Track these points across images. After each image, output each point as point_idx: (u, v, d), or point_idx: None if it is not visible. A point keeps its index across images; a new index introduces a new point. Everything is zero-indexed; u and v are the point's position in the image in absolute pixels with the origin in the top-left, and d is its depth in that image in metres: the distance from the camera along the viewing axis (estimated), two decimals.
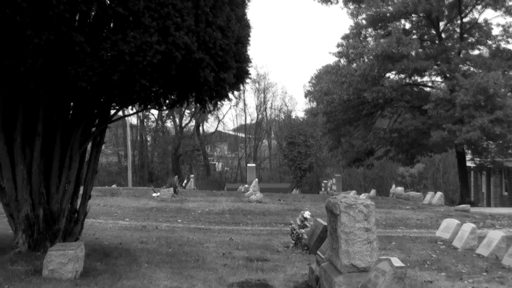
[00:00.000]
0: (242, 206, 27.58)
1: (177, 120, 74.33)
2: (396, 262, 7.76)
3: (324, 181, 61.86)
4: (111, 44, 10.08)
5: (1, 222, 16.60)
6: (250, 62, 13.74)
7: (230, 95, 13.90)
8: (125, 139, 62.40)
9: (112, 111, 13.95)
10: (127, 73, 10.31)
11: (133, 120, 70.33)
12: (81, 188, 13.42)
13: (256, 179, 41.37)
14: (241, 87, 14.68)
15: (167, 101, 14.34)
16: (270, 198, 33.59)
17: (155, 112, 70.32)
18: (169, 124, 78.23)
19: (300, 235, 15.16)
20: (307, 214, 15.75)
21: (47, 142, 12.11)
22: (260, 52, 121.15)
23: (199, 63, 11.29)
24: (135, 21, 10.24)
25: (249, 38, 13.64)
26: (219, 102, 14.21)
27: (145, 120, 76.03)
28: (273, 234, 18.52)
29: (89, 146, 13.72)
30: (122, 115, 19.28)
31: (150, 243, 15.13)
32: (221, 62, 11.89)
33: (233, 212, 25.20)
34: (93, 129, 13.48)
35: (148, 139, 79.01)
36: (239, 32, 12.51)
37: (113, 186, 47.62)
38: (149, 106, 14.99)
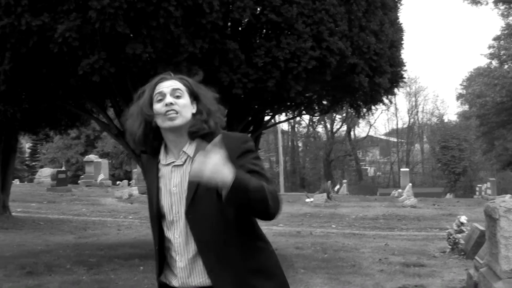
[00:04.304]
0: (396, 211, 27.18)
1: (328, 125, 74.37)
2: None
3: (478, 185, 60.18)
4: (265, 51, 10.31)
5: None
6: (404, 66, 13.68)
7: (384, 99, 13.87)
8: (277, 145, 63.06)
9: (266, 118, 14.17)
10: (281, 79, 10.48)
11: (284, 126, 70.92)
12: None
13: (410, 184, 40.70)
14: (395, 91, 14.60)
15: (320, 107, 14.43)
16: (424, 202, 32.92)
17: (306, 117, 70.66)
18: (320, 129, 78.43)
19: (457, 240, 14.83)
20: (463, 218, 15.37)
21: None
22: (410, 55, 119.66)
23: (353, 68, 11.34)
24: (288, 28, 10.41)
25: (402, 42, 13.58)
26: (373, 107, 14.20)
27: (296, 126, 76.62)
28: (429, 239, 18.16)
29: None
30: (274, 122, 19.46)
31: (306, 248, 15.16)
32: (376, 67, 11.89)
33: (387, 217, 24.90)
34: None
35: (300, 144, 79.52)
36: (393, 36, 12.47)
37: None
38: (303, 112, 15.09)
